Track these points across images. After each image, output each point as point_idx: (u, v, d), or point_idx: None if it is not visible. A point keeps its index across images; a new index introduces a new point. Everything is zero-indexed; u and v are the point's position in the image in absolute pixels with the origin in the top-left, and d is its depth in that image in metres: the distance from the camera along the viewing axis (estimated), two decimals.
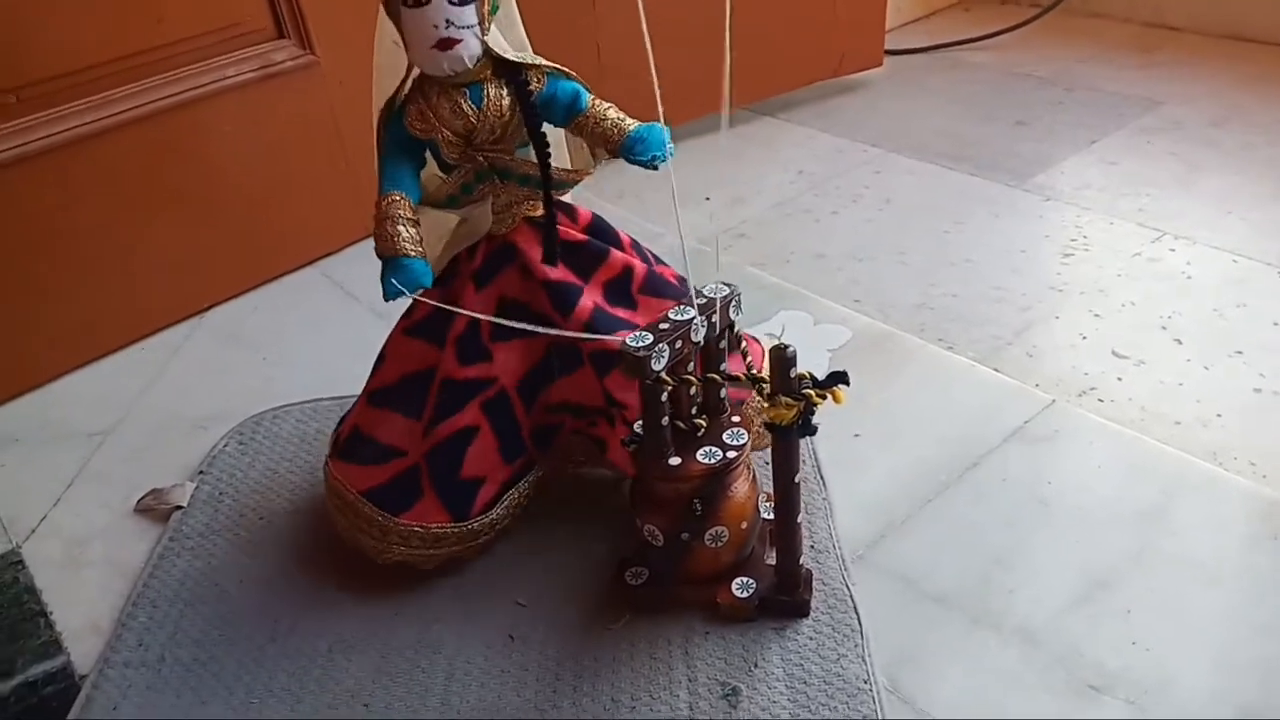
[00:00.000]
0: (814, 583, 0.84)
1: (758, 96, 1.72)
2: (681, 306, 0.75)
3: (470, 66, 0.76)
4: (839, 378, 0.71)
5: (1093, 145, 1.53)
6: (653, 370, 0.72)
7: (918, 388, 1.07)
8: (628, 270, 0.87)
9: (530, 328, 0.78)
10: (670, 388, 0.75)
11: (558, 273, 0.84)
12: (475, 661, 0.82)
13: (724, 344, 0.79)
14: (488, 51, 0.76)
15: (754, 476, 0.82)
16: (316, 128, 1.32)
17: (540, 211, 0.84)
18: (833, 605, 0.83)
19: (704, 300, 0.76)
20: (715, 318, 0.76)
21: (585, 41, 1.42)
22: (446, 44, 0.73)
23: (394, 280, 0.76)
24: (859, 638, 0.80)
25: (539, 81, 0.79)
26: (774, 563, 0.82)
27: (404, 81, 0.78)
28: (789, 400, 0.71)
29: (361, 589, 0.89)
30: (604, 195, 1.41)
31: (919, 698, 0.76)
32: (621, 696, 0.78)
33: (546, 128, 0.80)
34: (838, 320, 1.19)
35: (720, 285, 0.77)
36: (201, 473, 1.04)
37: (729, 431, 0.80)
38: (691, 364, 0.77)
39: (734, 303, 0.77)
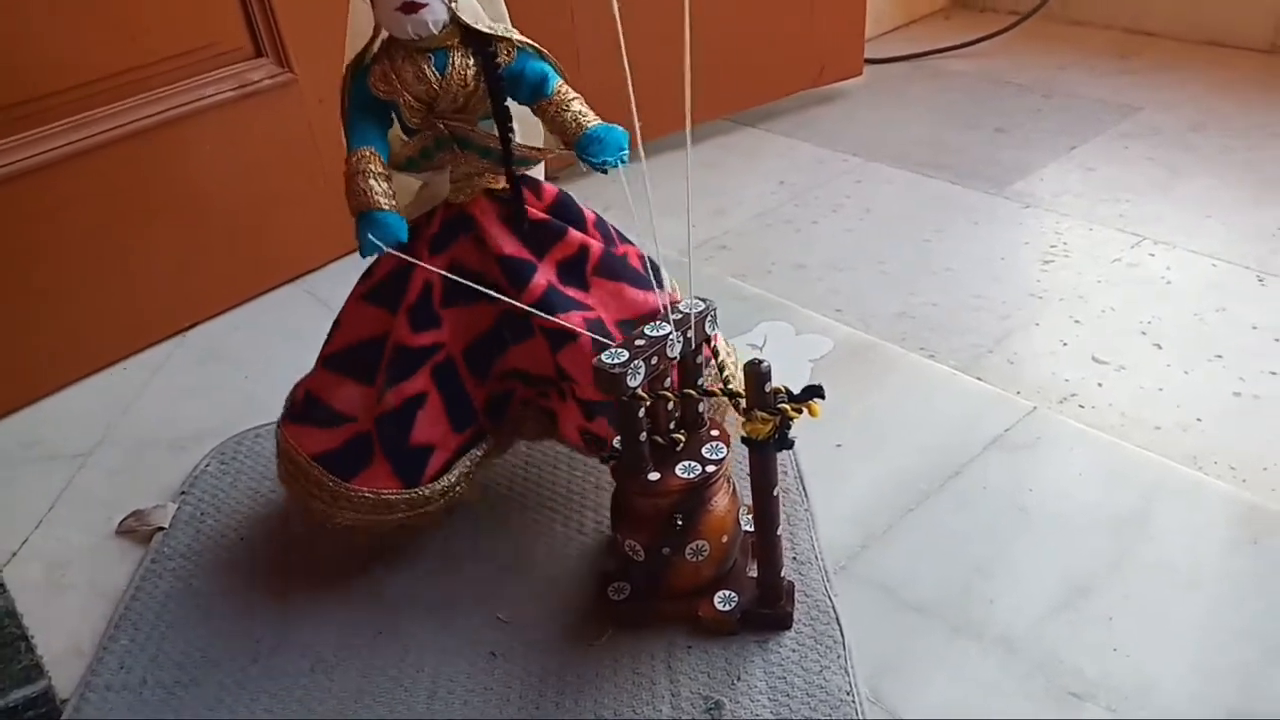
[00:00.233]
0: (796, 594, 0.84)
1: (738, 107, 1.72)
2: (657, 323, 0.75)
3: (435, 32, 0.75)
4: (814, 391, 0.71)
5: (1072, 151, 1.54)
6: (628, 387, 0.72)
7: (899, 397, 1.07)
8: (583, 250, 0.86)
9: (488, 291, 0.77)
10: (647, 403, 0.75)
11: (512, 247, 0.84)
12: (458, 679, 0.82)
13: (700, 359, 0.79)
14: (455, 19, 0.76)
15: (734, 490, 0.82)
16: (296, 145, 1.32)
17: (501, 185, 0.83)
18: (815, 617, 0.83)
19: (680, 316, 0.76)
20: (691, 333, 0.76)
21: (566, 50, 1.43)
22: (411, 7, 0.73)
23: (371, 236, 0.75)
24: (841, 649, 0.80)
25: (508, 55, 0.78)
26: (756, 575, 0.82)
27: (371, 41, 0.78)
28: (765, 415, 0.71)
29: (343, 608, 0.89)
30: (591, 206, 1.41)
31: (901, 708, 0.76)
32: (604, 712, 0.77)
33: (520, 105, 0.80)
34: (819, 330, 1.19)
35: (696, 300, 0.77)
36: (183, 493, 1.03)
37: (708, 446, 0.80)
38: (669, 379, 0.78)
39: (710, 318, 0.77)
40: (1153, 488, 0.92)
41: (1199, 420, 1.00)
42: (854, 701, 0.76)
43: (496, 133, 0.79)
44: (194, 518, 1.00)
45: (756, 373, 0.71)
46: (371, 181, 0.76)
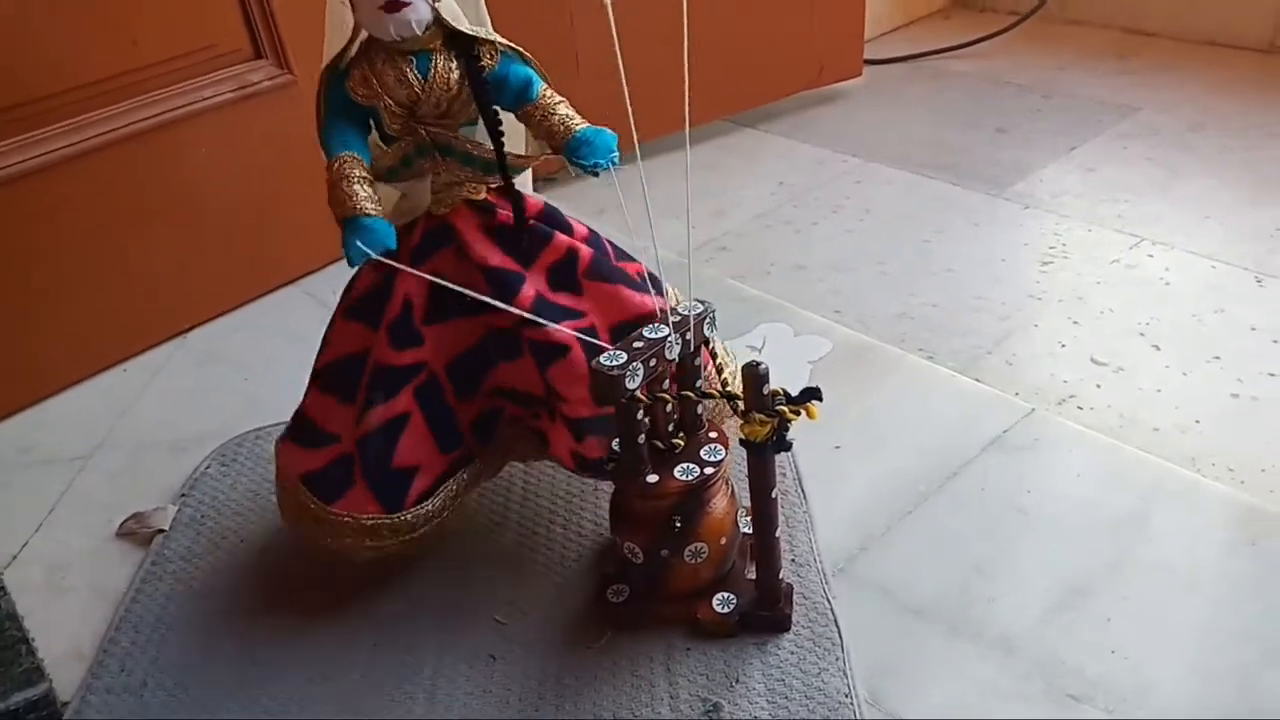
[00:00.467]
0: (795, 596, 0.84)
1: (737, 108, 1.72)
2: (655, 325, 0.75)
3: (419, 33, 0.73)
4: (812, 394, 0.71)
5: (1072, 152, 1.54)
6: (626, 389, 0.72)
7: (898, 398, 1.07)
8: (572, 253, 0.83)
9: (478, 296, 0.75)
10: (646, 406, 0.75)
11: (498, 258, 0.81)
12: (457, 682, 0.82)
13: (699, 361, 0.79)
14: (439, 20, 0.74)
15: (732, 492, 0.82)
16: (296, 146, 1.31)
17: (482, 195, 0.81)
18: (813, 619, 0.83)
19: (678, 318, 0.76)
20: (689, 335, 0.76)
21: (564, 51, 1.43)
22: (394, 6, 0.71)
23: (358, 242, 0.72)
24: (840, 651, 0.80)
25: (491, 58, 0.76)
26: (754, 577, 0.82)
27: (349, 44, 0.75)
28: (763, 417, 0.71)
29: (343, 610, 0.89)
30: (584, 211, 1.41)
31: (900, 709, 0.76)
32: (603, 714, 0.78)
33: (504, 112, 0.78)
34: (818, 332, 1.19)
35: (694, 302, 0.77)
36: (183, 495, 1.03)
37: (706, 448, 0.80)
38: (667, 381, 0.78)
39: (708, 320, 0.77)
40: (1151, 489, 0.92)
41: (1197, 422, 1.00)
42: (852, 703, 0.76)
43: (478, 140, 0.78)
44: (194, 520, 1.00)
45: (754, 375, 0.71)
46: (356, 187, 0.74)
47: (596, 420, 0.82)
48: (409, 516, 0.84)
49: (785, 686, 0.78)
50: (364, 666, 0.84)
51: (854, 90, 1.83)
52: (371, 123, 0.79)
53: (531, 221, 0.83)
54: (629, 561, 0.82)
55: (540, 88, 0.78)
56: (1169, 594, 0.82)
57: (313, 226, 1.35)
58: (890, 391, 1.09)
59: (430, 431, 0.84)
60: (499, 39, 0.77)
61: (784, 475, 0.96)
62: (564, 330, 0.79)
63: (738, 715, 0.76)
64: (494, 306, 0.77)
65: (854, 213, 1.45)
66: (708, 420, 0.83)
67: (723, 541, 0.81)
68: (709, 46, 1.56)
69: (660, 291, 0.81)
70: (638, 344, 0.74)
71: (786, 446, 0.73)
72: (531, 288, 0.82)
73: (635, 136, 0.73)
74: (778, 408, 0.72)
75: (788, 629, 0.82)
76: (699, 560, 0.80)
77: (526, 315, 0.78)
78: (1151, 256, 1.27)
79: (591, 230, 0.88)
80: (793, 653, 0.80)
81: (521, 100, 0.78)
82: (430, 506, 0.85)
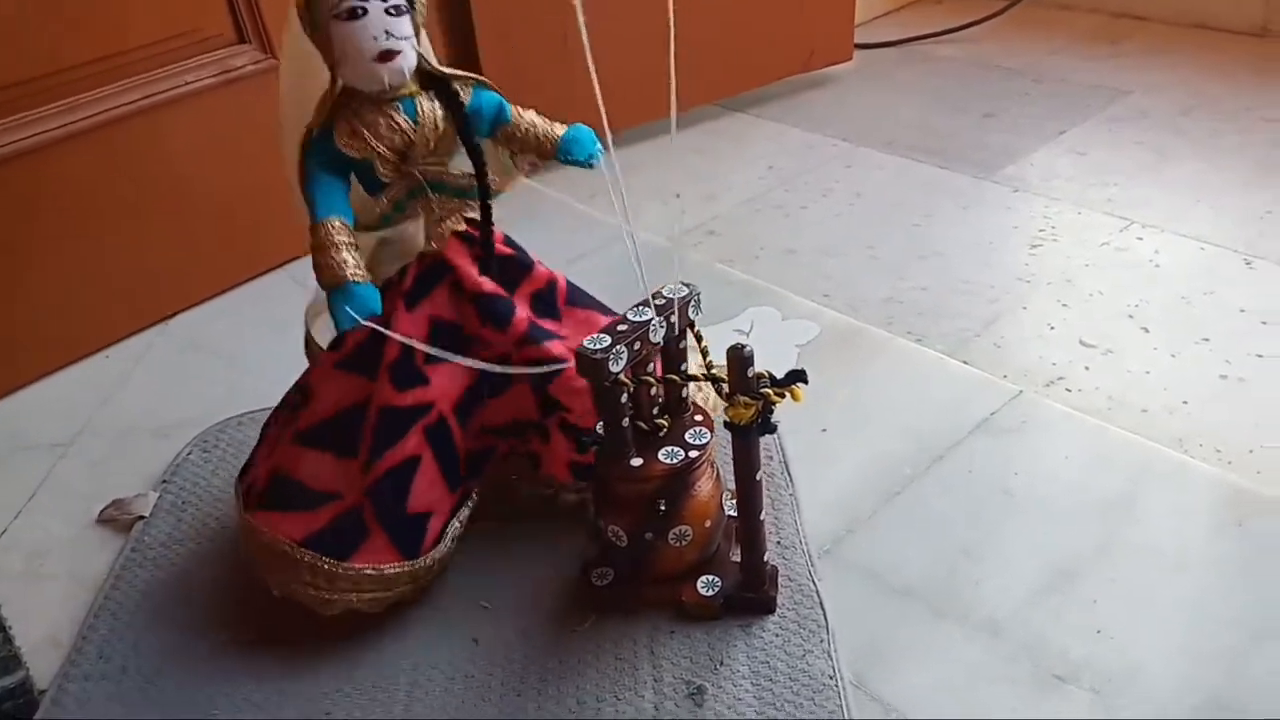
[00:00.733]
0: (780, 579, 0.83)
1: (727, 92, 1.71)
2: (640, 307, 0.75)
3: (407, 79, 0.75)
4: (797, 376, 0.71)
5: (1061, 136, 1.54)
6: (610, 372, 0.71)
7: (886, 381, 1.07)
8: (551, 283, 0.87)
9: (473, 363, 0.76)
10: (630, 389, 0.74)
11: (490, 285, 0.82)
12: (439, 666, 0.81)
13: (684, 344, 0.78)
14: (419, 64, 0.75)
15: (717, 474, 0.82)
16: (278, 132, 1.30)
17: (462, 226, 0.82)
18: (799, 601, 0.82)
19: (662, 301, 0.75)
20: (674, 318, 0.75)
21: (553, 34, 1.42)
22: (387, 56, 0.72)
23: (347, 309, 0.73)
24: (825, 633, 0.79)
25: (465, 92, 0.78)
26: (739, 560, 0.82)
27: (325, 101, 0.75)
28: (747, 400, 0.70)
29: None
30: (576, 195, 1.40)
31: (885, 692, 0.76)
32: (587, 698, 0.77)
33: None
34: (806, 315, 1.18)
35: (679, 285, 0.77)
36: (164, 482, 1.02)
37: (691, 431, 0.79)
38: (652, 364, 0.77)
39: (693, 303, 0.77)
40: (1139, 471, 0.92)
41: (1186, 403, 1.00)
42: (837, 686, 0.75)
43: (465, 171, 0.80)
44: (175, 506, 0.99)
45: (739, 357, 0.70)
46: (344, 254, 0.74)
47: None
48: (427, 561, 0.83)
49: (770, 669, 0.77)
50: (346, 652, 0.83)
51: (844, 75, 1.82)
52: (355, 176, 0.80)
53: (511, 250, 0.86)
54: (613, 544, 0.81)
55: (511, 109, 0.82)
56: (1156, 575, 0.82)
57: (296, 213, 1.34)
58: (878, 374, 1.08)
59: (442, 474, 0.83)
60: (466, 73, 0.79)
61: (770, 458, 0.96)
62: (558, 348, 0.82)
63: (722, 698, 0.75)
64: (488, 342, 0.81)
65: (843, 197, 1.44)
66: (692, 404, 0.82)
67: (707, 524, 0.80)
68: (699, 31, 1.55)
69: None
70: (622, 327, 0.73)
71: (771, 429, 0.73)
72: (523, 312, 0.83)
73: (605, 118, 0.72)
74: (762, 390, 0.71)
75: (773, 611, 0.81)
76: (683, 543, 0.79)
77: (525, 370, 0.81)
78: (1141, 239, 1.26)
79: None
80: (778, 635, 0.80)
81: (497, 124, 0.81)
82: (442, 549, 0.84)
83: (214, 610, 0.88)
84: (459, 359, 0.76)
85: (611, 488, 0.80)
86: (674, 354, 0.78)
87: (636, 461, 0.77)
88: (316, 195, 0.76)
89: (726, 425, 0.73)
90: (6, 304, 1.16)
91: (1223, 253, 1.22)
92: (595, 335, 0.72)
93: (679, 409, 0.81)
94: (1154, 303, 1.14)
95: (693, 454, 0.78)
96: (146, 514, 0.98)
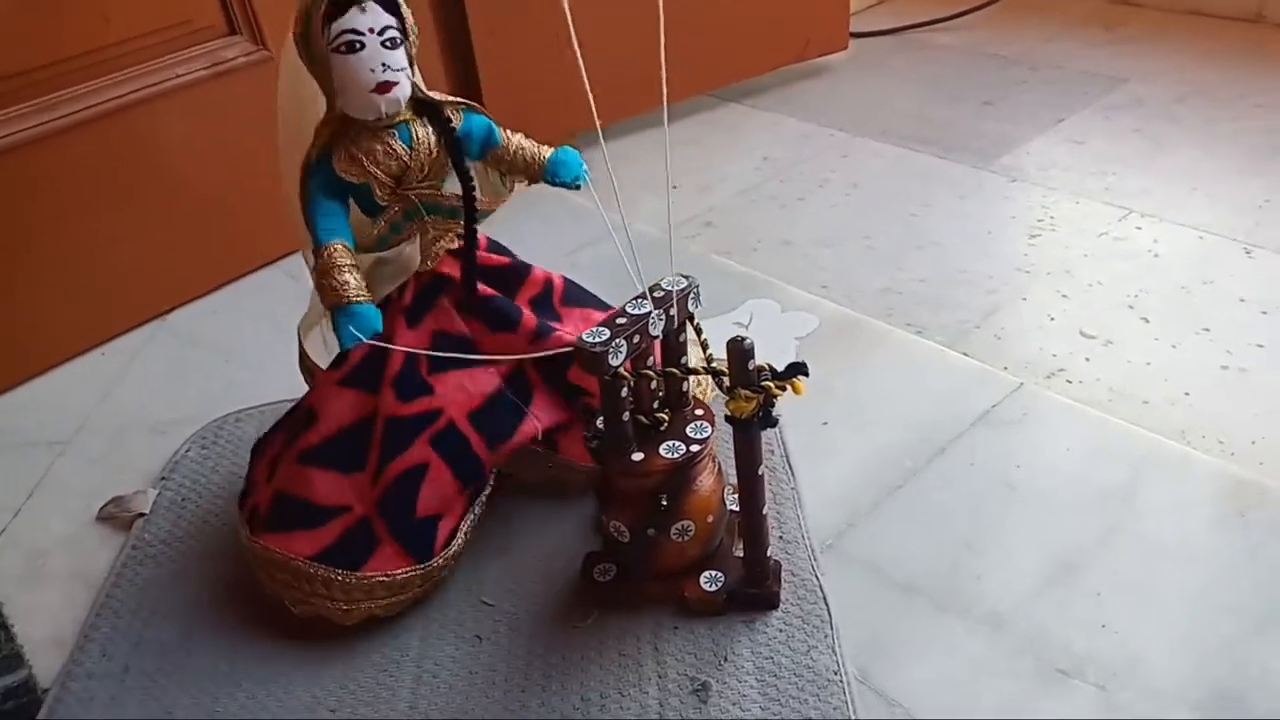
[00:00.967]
0: (783, 574, 0.83)
1: (722, 82, 1.71)
2: (638, 300, 0.74)
3: (403, 108, 0.77)
4: (798, 369, 0.71)
5: (1058, 124, 1.53)
6: (610, 366, 0.71)
7: (886, 373, 1.07)
8: (548, 285, 0.90)
9: (479, 357, 0.80)
10: (629, 383, 0.74)
11: (492, 290, 0.85)
12: (443, 664, 0.81)
13: (684, 337, 0.78)
14: (414, 92, 0.77)
15: (719, 469, 0.81)
16: (272, 124, 1.28)
17: (456, 244, 0.85)
18: (802, 596, 0.82)
19: (661, 294, 0.75)
20: (673, 311, 0.75)
21: (546, 29, 1.41)
22: (385, 87, 0.74)
23: (351, 329, 0.76)
24: (828, 628, 0.79)
25: (456, 117, 0.81)
26: (742, 555, 0.82)
27: (323, 128, 0.77)
28: (748, 393, 0.70)
29: None
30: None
31: (889, 687, 0.76)
32: (591, 695, 0.77)
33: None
34: (805, 307, 1.18)
35: (678, 277, 0.76)
36: (164, 479, 1.02)
37: (692, 425, 0.79)
38: (652, 358, 0.77)
39: (692, 295, 0.76)
40: (1140, 462, 0.92)
41: (1187, 394, 1.00)
42: (841, 680, 0.75)
43: (458, 193, 0.81)
44: (175, 503, 0.99)
45: (740, 350, 0.70)
46: (347, 276, 0.76)
47: None
48: (439, 561, 0.84)
49: (774, 664, 0.77)
50: (349, 649, 0.83)
51: (840, 64, 1.81)
52: (352, 200, 0.82)
53: (506, 260, 0.89)
54: (616, 540, 0.81)
55: (500, 132, 0.83)
56: (1159, 567, 0.82)
57: (290, 209, 1.34)
58: (878, 366, 1.08)
59: (455, 478, 0.84)
60: (456, 99, 0.81)
61: (771, 452, 0.96)
62: (566, 335, 0.84)
63: (726, 693, 0.75)
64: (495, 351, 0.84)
65: (840, 187, 1.44)
66: (693, 398, 0.82)
67: (710, 519, 0.80)
68: (693, 21, 1.54)
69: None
70: (620, 320, 0.73)
71: (773, 423, 0.72)
72: (530, 313, 0.86)
73: (593, 104, 0.73)
74: (763, 383, 0.71)
75: (776, 606, 0.81)
76: (686, 538, 0.79)
77: (533, 355, 0.83)
78: (1140, 229, 1.26)
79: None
80: (781, 630, 0.80)
81: (487, 147, 0.83)
82: (456, 545, 0.86)
83: (216, 607, 0.88)
84: (460, 355, 0.78)
85: (613, 483, 0.79)
86: (674, 347, 0.78)
87: (637, 456, 0.77)
88: (318, 220, 0.79)
89: (728, 419, 0.73)
90: (2, 301, 1.16)
91: (1221, 241, 1.22)
92: (594, 329, 0.72)
93: (679, 403, 0.81)
94: (1154, 293, 1.14)
95: (694, 448, 0.77)
96: (146, 511, 0.98)
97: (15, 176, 1.13)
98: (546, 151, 0.84)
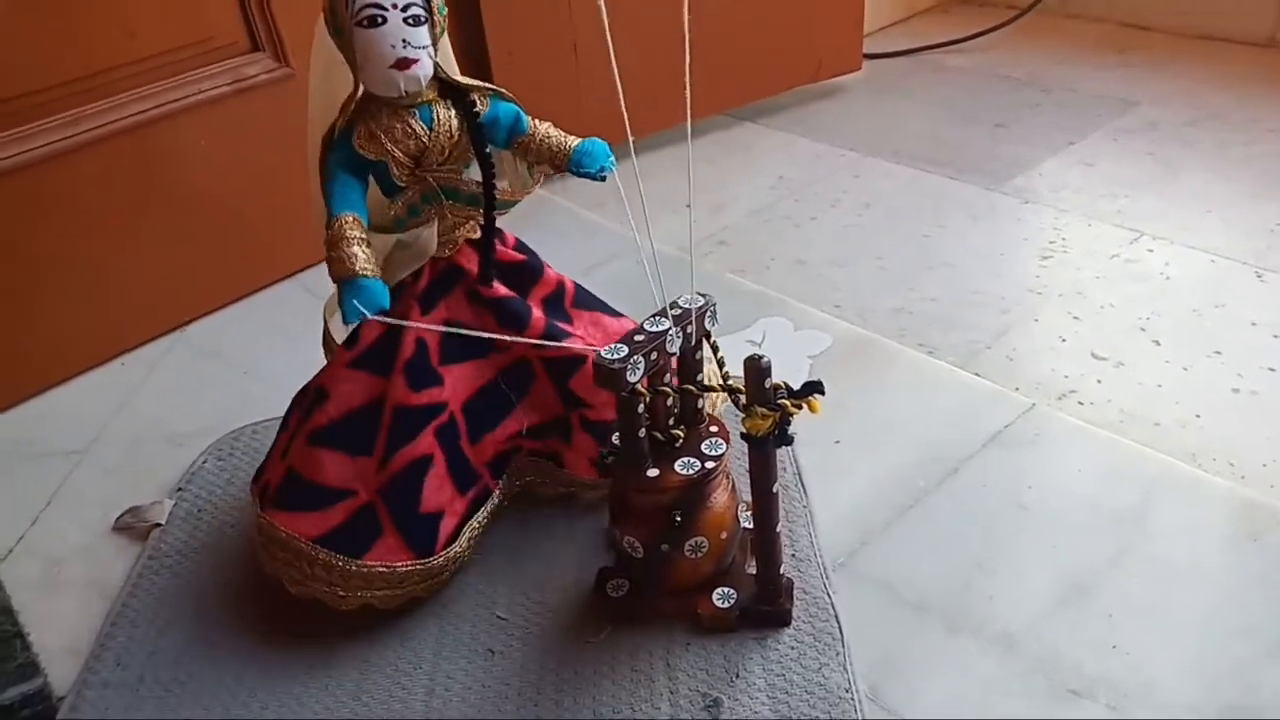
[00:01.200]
0: (795, 591, 0.84)
1: (736, 102, 1.72)
2: (656, 318, 0.75)
3: (424, 87, 0.76)
4: (814, 387, 0.71)
5: (1071, 146, 1.54)
6: (627, 382, 0.71)
7: (898, 393, 1.07)
8: (560, 286, 0.90)
9: (492, 335, 0.79)
10: (646, 399, 0.75)
11: (504, 290, 0.85)
12: (456, 677, 0.81)
13: (700, 355, 0.79)
14: (437, 73, 0.77)
15: (733, 486, 0.82)
16: (293, 140, 1.29)
17: (478, 234, 0.84)
18: (814, 614, 0.83)
19: (679, 311, 0.76)
20: (691, 328, 0.76)
21: (562, 44, 1.43)
22: (405, 64, 0.74)
23: (355, 302, 0.74)
24: (840, 646, 0.80)
25: (483, 103, 0.80)
26: (755, 572, 0.82)
27: (348, 104, 0.77)
28: (764, 411, 0.71)
29: None
30: (586, 204, 1.41)
31: (900, 706, 0.76)
32: (603, 710, 0.77)
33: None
34: (818, 326, 1.19)
35: (695, 295, 0.77)
36: (180, 489, 1.03)
37: (707, 442, 0.80)
38: (668, 375, 0.77)
39: (709, 313, 0.77)
40: (1152, 484, 0.92)
41: (1198, 417, 1.00)
42: (853, 699, 0.76)
43: (479, 180, 0.81)
44: (191, 514, 1.00)
45: (756, 368, 0.71)
46: (355, 248, 0.75)
47: None
48: (439, 560, 0.84)
49: (786, 682, 0.77)
50: (362, 661, 0.83)
51: (853, 85, 1.82)
52: (372, 178, 0.81)
53: (521, 256, 0.88)
54: (629, 556, 0.81)
55: (528, 120, 0.83)
56: (1170, 589, 0.82)
57: (310, 221, 1.35)
58: (890, 386, 1.08)
59: (450, 473, 0.85)
60: (483, 84, 0.81)
61: (784, 470, 0.96)
62: (577, 346, 0.84)
63: (738, 710, 0.76)
64: (508, 341, 0.82)
65: (853, 207, 1.44)
66: (708, 415, 0.83)
67: (723, 536, 0.80)
68: (708, 41, 1.55)
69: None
70: (639, 337, 0.73)
71: (788, 441, 0.73)
72: (539, 312, 0.86)
73: (628, 121, 0.73)
74: (780, 401, 0.71)
75: (788, 624, 0.82)
76: (699, 555, 0.80)
77: (543, 343, 0.84)
78: (1151, 251, 1.27)
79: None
80: (793, 648, 0.80)
81: (514, 135, 0.83)
82: (457, 548, 0.86)
83: (231, 618, 0.89)
84: (471, 333, 0.78)
85: (627, 499, 0.80)
86: (690, 364, 0.79)
87: (653, 472, 0.78)
88: (334, 192, 0.78)
89: (744, 436, 0.73)
90: (22, 312, 1.17)
91: (1233, 265, 1.22)
92: (612, 345, 0.73)
93: (695, 419, 0.81)
94: (1165, 315, 1.15)
95: (709, 465, 0.78)
96: (162, 521, 0.99)
97: (39, 190, 1.14)
98: (573, 141, 0.83)
